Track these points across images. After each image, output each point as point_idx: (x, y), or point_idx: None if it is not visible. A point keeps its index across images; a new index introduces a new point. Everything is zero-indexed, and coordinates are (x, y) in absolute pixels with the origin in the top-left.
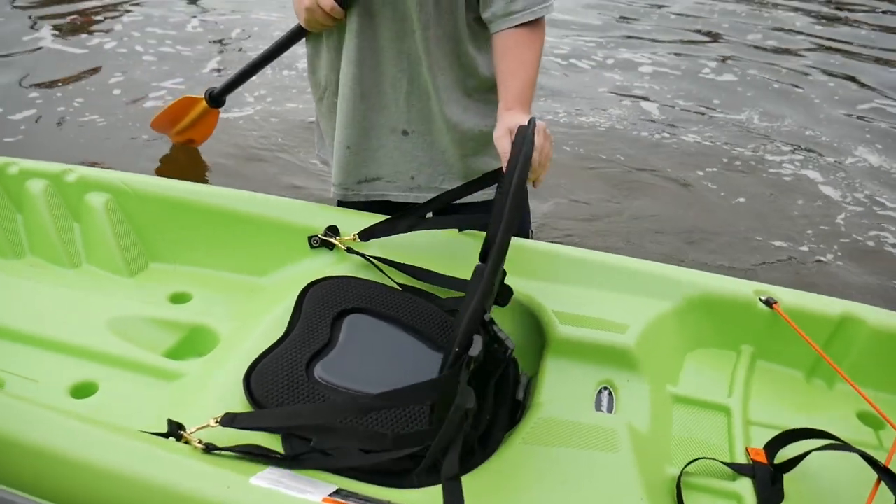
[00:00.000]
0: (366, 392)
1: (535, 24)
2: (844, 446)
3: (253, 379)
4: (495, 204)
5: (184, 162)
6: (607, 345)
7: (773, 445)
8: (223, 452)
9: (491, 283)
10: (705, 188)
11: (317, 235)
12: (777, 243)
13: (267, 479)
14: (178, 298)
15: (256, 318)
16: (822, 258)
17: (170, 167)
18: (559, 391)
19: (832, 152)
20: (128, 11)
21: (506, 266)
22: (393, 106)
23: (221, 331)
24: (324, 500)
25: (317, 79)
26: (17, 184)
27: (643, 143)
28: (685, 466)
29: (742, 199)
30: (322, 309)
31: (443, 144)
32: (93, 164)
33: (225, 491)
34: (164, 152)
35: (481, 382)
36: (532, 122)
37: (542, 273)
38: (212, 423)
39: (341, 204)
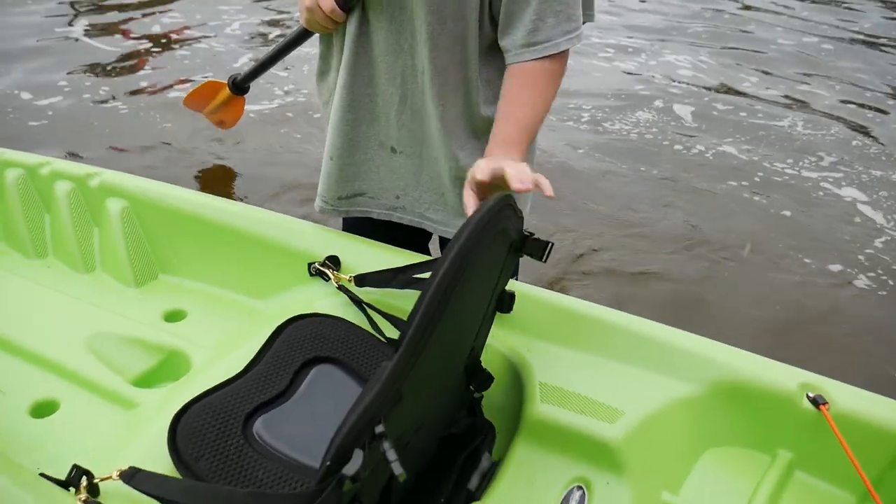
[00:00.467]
0: (298, 461)
1: (558, 56)
2: None
3: (182, 423)
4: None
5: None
6: (587, 435)
7: None
8: None
9: (391, 389)
10: (738, 208)
11: (315, 263)
12: (821, 277)
13: None
14: (172, 316)
15: (233, 349)
16: (864, 288)
17: (187, 161)
18: (519, 485)
19: (880, 167)
20: (168, 12)
21: (504, 317)
22: (384, 119)
23: (196, 359)
24: None
25: (326, 81)
26: (48, 185)
27: (671, 152)
28: None
29: (783, 218)
30: (292, 351)
31: (431, 172)
32: (112, 148)
33: None
34: (182, 139)
35: (449, 455)
36: (508, 197)
37: (544, 329)
38: (114, 475)
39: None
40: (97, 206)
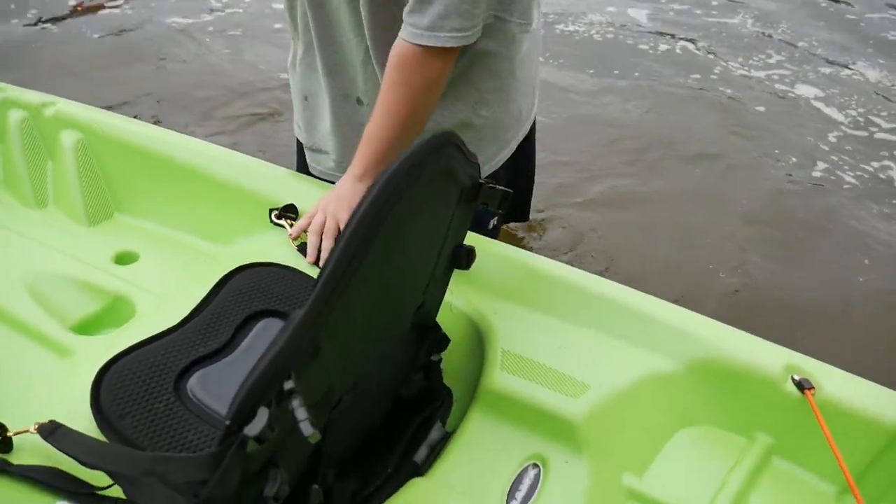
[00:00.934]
0: None
1: (439, 51)
2: None
3: (108, 377)
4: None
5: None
6: (547, 410)
7: None
8: (20, 473)
9: (303, 339)
10: (689, 111)
11: (277, 209)
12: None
13: None
14: (123, 259)
15: (182, 297)
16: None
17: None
18: (470, 460)
19: (826, 63)
20: None
21: (466, 274)
22: (350, 69)
23: (141, 306)
24: None
25: (293, 16)
26: (1, 112)
27: (625, 53)
28: None
29: (732, 123)
30: (238, 303)
31: None
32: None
33: None
34: (115, 62)
35: (401, 420)
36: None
37: (513, 291)
38: (32, 429)
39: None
40: (51, 137)
